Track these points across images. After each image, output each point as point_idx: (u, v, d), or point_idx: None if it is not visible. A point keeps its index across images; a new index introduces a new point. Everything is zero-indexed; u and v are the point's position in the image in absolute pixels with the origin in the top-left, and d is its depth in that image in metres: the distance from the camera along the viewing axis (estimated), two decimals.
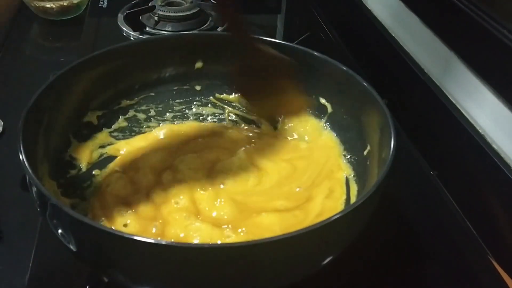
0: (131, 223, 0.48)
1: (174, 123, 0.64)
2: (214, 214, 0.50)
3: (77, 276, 0.49)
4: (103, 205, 0.51)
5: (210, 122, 0.65)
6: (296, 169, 0.57)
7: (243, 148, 0.59)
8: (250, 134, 0.63)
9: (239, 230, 0.48)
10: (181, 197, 0.52)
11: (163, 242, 0.35)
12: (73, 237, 0.38)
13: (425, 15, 0.67)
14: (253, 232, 0.48)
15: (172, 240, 0.47)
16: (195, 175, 0.55)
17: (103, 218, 0.49)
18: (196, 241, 0.47)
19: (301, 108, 0.61)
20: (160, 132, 0.62)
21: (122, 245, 0.36)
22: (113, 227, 0.48)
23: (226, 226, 0.49)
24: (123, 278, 0.41)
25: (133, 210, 0.50)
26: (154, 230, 0.48)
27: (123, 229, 0.48)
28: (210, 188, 0.53)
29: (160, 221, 0.49)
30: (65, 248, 0.40)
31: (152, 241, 0.35)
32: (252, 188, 0.54)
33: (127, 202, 0.51)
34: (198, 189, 0.53)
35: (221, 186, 0.54)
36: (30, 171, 0.40)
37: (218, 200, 0.51)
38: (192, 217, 0.49)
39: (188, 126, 0.64)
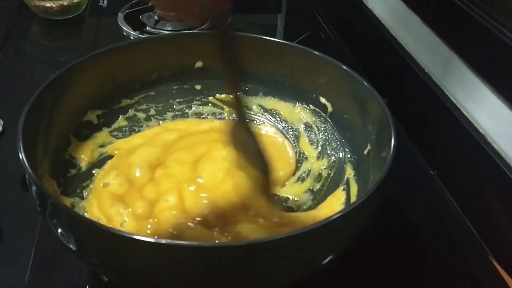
0: (128, 222, 0.48)
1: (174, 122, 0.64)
2: (199, 213, 0.49)
3: (77, 275, 0.49)
4: (100, 204, 0.51)
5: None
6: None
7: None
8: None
9: (226, 234, 0.48)
10: (170, 193, 0.51)
11: (163, 241, 0.35)
12: (73, 236, 0.38)
13: (425, 14, 0.67)
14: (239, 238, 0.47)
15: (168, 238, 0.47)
16: (182, 169, 0.55)
17: (102, 217, 0.49)
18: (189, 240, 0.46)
19: None
20: (158, 129, 0.62)
21: (121, 245, 0.36)
22: (111, 225, 0.48)
23: (213, 229, 0.48)
24: (122, 278, 0.41)
25: (130, 210, 0.50)
26: (149, 229, 0.48)
27: (121, 228, 0.48)
28: (193, 184, 0.52)
29: (155, 220, 0.49)
30: (65, 247, 0.40)
31: (151, 240, 0.35)
32: (225, 189, 0.53)
33: (124, 200, 0.51)
34: (185, 185, 0.52)
35: (199, 180, 0.53)
36: (30, 170, 0.40)
37: (201, 199, 0.51)
38: (181, 216, 0.49)
39: (187, 122, 0.64)
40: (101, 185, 0.53)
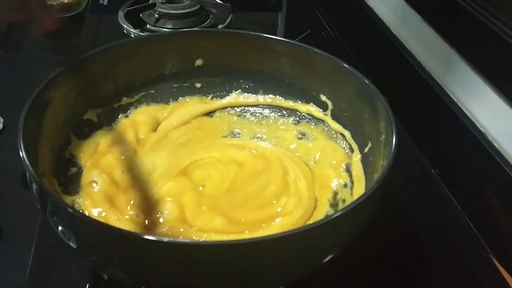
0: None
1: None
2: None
3: (77, 273, 0.49)
4: (94, 205, 0.49)
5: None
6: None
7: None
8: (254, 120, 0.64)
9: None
10: (167, 204, 0.50)
11: (165, 240, 0.35)
12: (73, 234, 0.38)
13: (426, 13, 0.67)
14: None
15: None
16: (173, 170, 0.55)
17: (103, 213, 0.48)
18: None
19: None
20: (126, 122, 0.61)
21: (123, 242, 0.36)
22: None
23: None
24: (123, 275, 0.41)
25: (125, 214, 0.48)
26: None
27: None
28: (192, 192, 0.51)
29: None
30: (66, 245, 0.40)
31: (154, 238, 0.35)
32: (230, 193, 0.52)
33: (114, 202, 0.49)
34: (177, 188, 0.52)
35: (200, 188, 0.53)
36: (30, 168, 0.40)
37: (204, 207, 0.50)
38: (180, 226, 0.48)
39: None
40: (89, 182, 0.51)
